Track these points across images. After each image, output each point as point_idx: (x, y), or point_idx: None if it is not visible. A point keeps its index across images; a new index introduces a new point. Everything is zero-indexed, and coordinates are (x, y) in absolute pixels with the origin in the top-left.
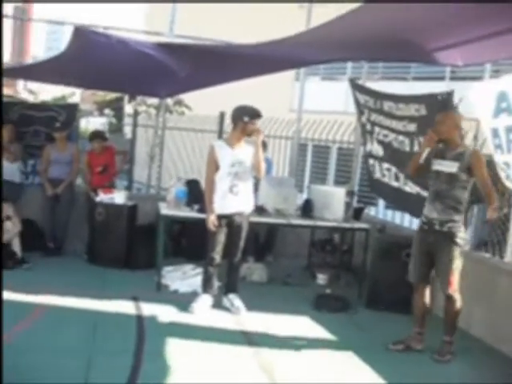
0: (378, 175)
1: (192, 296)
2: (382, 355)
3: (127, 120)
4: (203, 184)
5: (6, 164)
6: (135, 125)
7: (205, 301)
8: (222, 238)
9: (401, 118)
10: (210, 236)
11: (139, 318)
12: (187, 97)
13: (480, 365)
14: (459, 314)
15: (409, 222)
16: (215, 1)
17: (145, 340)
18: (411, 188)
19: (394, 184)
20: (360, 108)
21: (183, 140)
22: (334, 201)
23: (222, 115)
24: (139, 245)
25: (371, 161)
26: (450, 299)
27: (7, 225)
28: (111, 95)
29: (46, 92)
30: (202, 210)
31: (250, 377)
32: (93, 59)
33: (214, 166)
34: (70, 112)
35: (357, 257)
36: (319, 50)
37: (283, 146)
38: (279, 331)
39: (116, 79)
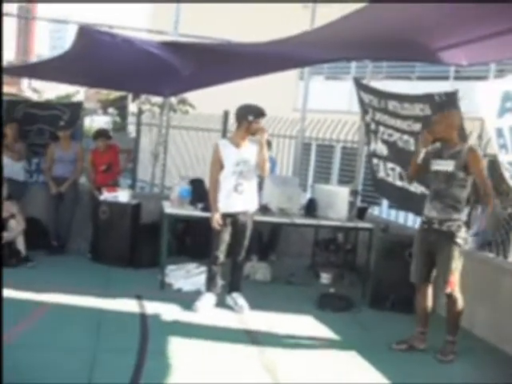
0: (382, 175)
1: (195, 295)
2: (385, 355)
3: (131, 119)
4: (207, 183)
5: (10, 162)
6: (139, 123)
7: (208, 299)
8: (226, 236)
9: (405, 118)
10: (215, 235)
11: (143, 317)
12: (191, 95)
13: (483, 365)
14: (461, 313)
15: (412, 222)
16: (219, 1)
17: (148, 338)
18: (415, 188)
19: (398, 183)
20: (364, 107)
21: (187, 139)
22: (337, 200)
23: (226, 114)
24: (143, 243)
25: (375, 160)
26: (449, 299)
27: (11, 223)
28: (115, 94)
29: (50, 90)
30: (205, 209)
31: (253, 376)
32: (97, 58)
33: (218, 164)
34: (74, 110)
35: (360, 256)
36: (323, 49)
37: (287, 145)
38: (282, 330)
39: (120, 78)
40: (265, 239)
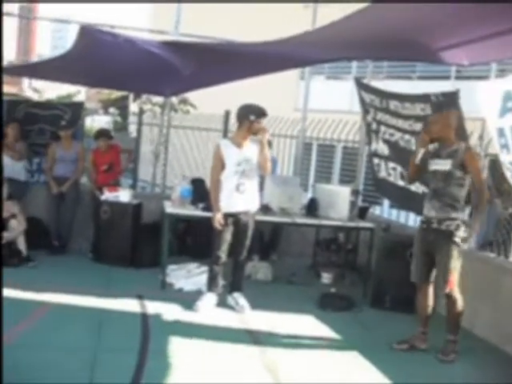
0: (383, 174)
1: (197, 294)
2: (386, 355)
3: (132, 118)
4: (208, 183)
5: (10, 162)
6: (140, 123)
7: (209, 299)
8: (228, 236)
9: (407, 117)
10: (216, 234)
11: (144, 317)
12: (192, 95)
13: (484, 365)
14: (461, 312)
15: (413, 222)
16: (220, 0)
17: (149, 338)
18: (417, 187)
19: (400, 183)
20: (365, 107)
21: (188, 139)
22: (338, 200)
23: (227, 114)
24: (144, 243)
25: (376, 160)
26: (449, 299)
27: (12, 223)
28: (116, 94)
29: (51, 90)
30: (207, 209)
31: (254, 376)
32: (98, 58)
33: (219, 164)
34: (76, 110)
35: (361, 256)
36: (324, 49)
37: (288, 145)
38: (284, 330)
39: (121, 78)
40: (266, 239)
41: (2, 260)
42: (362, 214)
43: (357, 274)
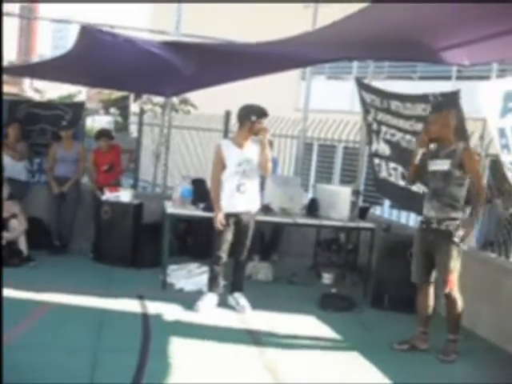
0: (384, 174)
1: (197, 294)
2: (387, 355)
3: (133, 119)
4: (209, 183)
5: (12, 162)
6: (141, 123)
7: (210, 299)
8: (229, 236)
9: (408, 118)
10: (217, 235)
11: (145, 317)
12: (193, 95)
13: (485, 364)
14: (461, 312)
15: (414, 222)
16: (220, 1)
17: (150, 338)
18: (418, 187)
19: (400, 183)
20: (366, 107)
21: (189, 139)
22: (339, 200)
23: (227, 114)
24: (145, 243)
25: (377, 160)
26: (448, 299)
27: (13, 223)
28: (117, 94)
29: (52, 90)
30: (207, 209)
31: (254, 376)
32: (99, 58)
33: (220, 164)
34: (76, 110)
35: (362, 256)
36: (325, 49)
37: (289, 145)
38: (284, 330)
39: (122, 78)
40: (267, 239)
41: (1, 260)
42: (363, 214)
43: (357, 275)
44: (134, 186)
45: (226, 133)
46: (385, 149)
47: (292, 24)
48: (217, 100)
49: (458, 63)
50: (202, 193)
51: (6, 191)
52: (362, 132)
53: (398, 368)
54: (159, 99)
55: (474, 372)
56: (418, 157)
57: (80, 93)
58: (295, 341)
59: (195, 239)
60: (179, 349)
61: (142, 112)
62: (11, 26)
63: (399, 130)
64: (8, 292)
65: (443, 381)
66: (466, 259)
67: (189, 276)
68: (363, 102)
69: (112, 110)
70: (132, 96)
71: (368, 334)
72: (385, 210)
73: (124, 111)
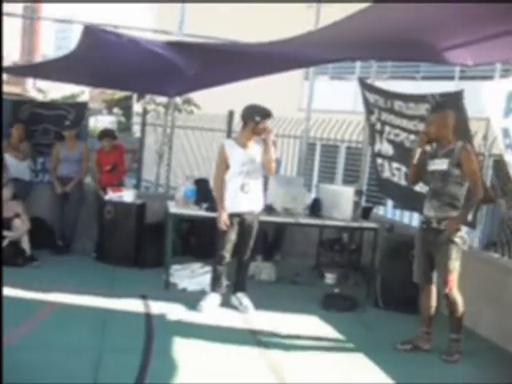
0: (387, 174)
1: (200, 294)
2: (390, 355)
3: (136, 119)
4: (212, 183)
5: (15, 162)
6: (144, 123)
7: (213, 299)
8: (232, 236)
9: (411, 118)
10: (221, 235)
11: (148, 317)
12: (196, 96)
13: (488, 365)
14: (462, 312)
15: (417, 222)
16: (224, 1)
17: (153, 338)
18: (421, 187)
19: (404, 183)
20: (369, 107)
21: (192, 139)
22: (342, 200)
23: (230, 114)
24: (148, 243)
25: (380, 160)
26: (448, 299)
27: (16, 222)
28: (120, 94)
29: (55, 90)
30: (210, 209)
31: (258, 376)
32: (102, 58)
33: (224, 164)
34: (80, 110)
35: (365, 256)
36: (328, 49)
37: (292, 145)
38: (287, 330)
39: (125, 78)
40: (270, 239)
41: (1, 260)
42: (366, 214)
43: (360, 275)
44: (137, 186)
45: (229, 133)
46: (388, 149)
47: (295, 24)
48: (220, 100)
49: (462, 63)
50: (205, 193)
51: (10, 191)
52: (365, 132)
53: (400, 368)
54: (162, 99)
55: (476, 372)
56: (417, 156)
57: (83, 93)
58: (298, 341)
59: (198, 239)
60: (182, 349)
61: (145, 112)
62: (14, 26)
63: (403, 130)
64: (11, 292)
65: (445, 381)
66: (468, 259)
67: (192, 276)
68: (366, 102)
69: (115, 109)
70: (135, 96)
71: (371, 334)
72: (388, 210)
73: (127, 111)
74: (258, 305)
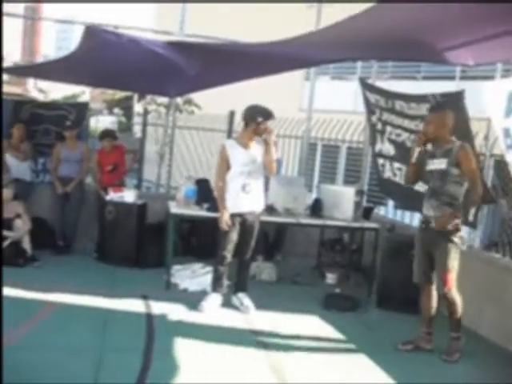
0: (388, 174)
1: (201, 295)
2: (391, 355)
3: (137, 119)
4: (213, 183)
5: (16, 162)
6: (145, 124)
7: (214, 299)
8: (234, 236)
9: (413, 118)
10: (222, 235)
11: (149, 317)
12: (197, 96)
13: (489, 365)
14: (461, 310)
15: (418, 222)
16: (224, 1)
17: (154, 338)
18: (423, 187)
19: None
20: (370, 107)
21: (193, 139)
22: (343, 200)
23: (231, 114)
24: (149, 243)
25: (381, 160)
26: (447, 299)
27: (17, 223)
28: (120, 94)
29: (56, 91)
30: (211, 209)
31: (259, 376)
32: (103, 58)
33: (225, 165)
34: (80, 111)
35: (366, 256)
36: (329, 49)
37: (293, 146)
38: (288, 330)
39: (126, 78)
40: (270, 239)
41: (1, 260)
42: (367, 214)
43: (361, 275)
44: (138, 186)
45: (229, 133)
46: (389, 149)
47: (295, 24)
48: (221, 100)
49: (463, 63)
50: (206, 193)
51: (11, 191)
52: (366, 132)
53: (401, 368)
54: (163, 99)
55: (476, 372)
56: (415, 155)
57: (84, 93)
58: (299, 341)
59: (199, 239)
60: (183, 349)
61: (145, 112)
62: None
63: (405, 130)
64: (12, 292)
65: (446, 381)
66: (469, 259)
67: (193, 276)
68: (367, 102)
69: (116, 110)
70: (136, 96)
71: (372, 334)
72: (389, 210)
73: (128, 111)
74: (259, 305)
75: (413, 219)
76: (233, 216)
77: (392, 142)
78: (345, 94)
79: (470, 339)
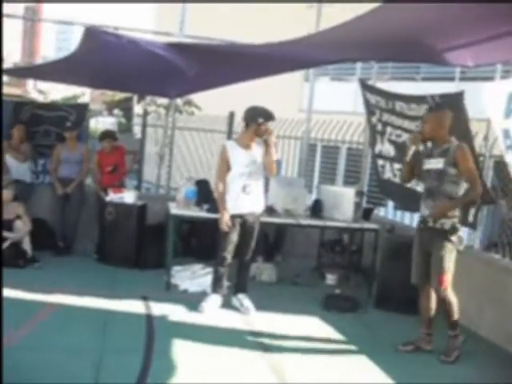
0: (388, 175)
1: (201, 296)
2: (390, 356)
3: (136, 120)
4: (213, 184)
5: (16, 164)
6: (145, 125)
7: (214, 300)
8: (234, 237)
9: (413, 119)
10: (222, 236)
11: (149, 318)
12: (197, 97)
13: (489, 366)
14: (456, 310)
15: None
16: (224, 1)
17: (154, 339)
18: (421, 187)
19: (405, 184)
20: (370, 108)
21: (193, 140)
22: (343, 201)
23: (231, 115)
24: (149, 244)
25: (381, 161)
26: (442, 299)
27: (18, 224)
28: (120, 95)
29: (55, 92)
30: (211, 210)
31: (259, 377)
32: (103, 59)
33: (225, 166)
34: (80, 112)
35: (366, 257)
36: (329, 50)
37: (292, 147)
38: (288, 331)
39: (125, 79)
40: (270, 240)
41: (1, 260)
42: (367, 215)
43: (361, 276)
44: (138, 187)
45: (229, 134)
46: (389, 150)
47: (295, 24)
48: (220, 101)
49: (462, 64)
50: (205, 194)
51: (11, 193)
52: (366, 133)
53: (401, 369)
54: (163, 100)
55: (476, 373)
56: (410, 153)
57: (84, 94)
58: (299, 342)
59: (199, 240)
60: (183, 350)
61: (145, 113)
62: (15, 27)
63: (405, 130)
64: (12, 293)
65: (446, 381)
66: (469, 260)
67: (193, 277)
68: (367, 103)
69: (116, 111)
70: (136, 97)
71: (372, 334)
72: (389, 211)
73: (128, 112)
74: (259, 306)
75: (413, 220)
76: (233, 217)
77: (392, 142)
78: (344, 95)
79: (469, 340)
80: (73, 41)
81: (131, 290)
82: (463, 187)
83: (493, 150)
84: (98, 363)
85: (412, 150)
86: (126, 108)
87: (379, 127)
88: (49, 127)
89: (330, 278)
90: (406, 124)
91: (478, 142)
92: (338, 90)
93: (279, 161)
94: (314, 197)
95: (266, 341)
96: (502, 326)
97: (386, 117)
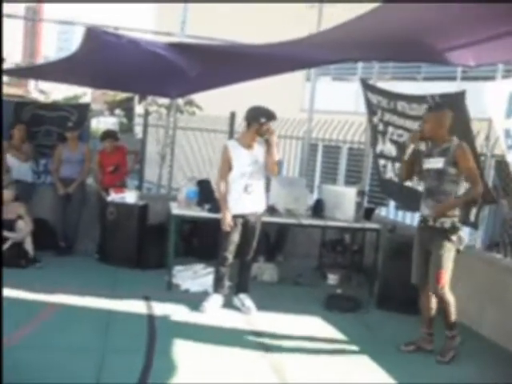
0: (389, 175)
1: (203, 295)
2: (392, 356)
3: (138, 120)
4: (214, 184)
5: (17, 163)
6: (146, 125)
7: (216, 300)
8: (236, 237)
9: (415, 118)
10: (224, 236)
11: (150, 318)
12: (198, 97)
13: (490, 365)
14: (454, 310)
15: None
16: (223, 0)
17: (156, 339)
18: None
19: (408, 183)
20: (372, 108)
21: (194, 140)
22: (344, 201)
23: (232, 115)
24: (150, 244)
25: (382, 161)
26: (440, 298)
27: (19, 224)
28: (121, 95)
29: (57, 92)
30: (212, 210)
31: (260, 377)
32: (104, 59)
33: (227, 166)
34: (82, 112)
35: (367, 257)
36: (331, 50)
37: (294, 146)
38: (290, 331)
39: (127, 79)
40: (272, 240)
41: (1, 260)
42: (368, 215)
43: (363, 275)
44: (139, 187)
45: (231, 134)
46: (391, 149)
47: (295, 24)
48: (222, 101)
49: (464, 64)
50: (207, 194)
51: (11, 193)
52: (367, 133)
53: (402, 369)
54: (164, 100)
55: (477, 372)
56: (409, 151)
57: (85, 94)
58: (300, 342)
59: (201, 240)
60: (185, 349)
61: (146, 113)
62: (17, 28)
63: (407, 130)
64: (14, 293)
65: (447, 381)
66: (471, 260)
67: (194, 277)
68: (368, 103)
69: (117, 111)
70: (137, 97)
71: (373, 334)
72: (390, 211)
73: (129, 112)
74: (261, 306)
75: (414, 220)
76: (235, 217)
77: (394, 142)
78: (346, 95)
79: (471, 339)
80: (74, 41)
81: (133, 289)
82: (463, 186)
83: (494, 149)
84: (99, 363)
85: (411, 148)
86: (127, 108)
87: (381, 127)
88: (50, 127)
89: (332, 278)
90: (408, 124)
91: (480, 142)
92: (339, 90)
93: (280, 161)
94: (315, 197)
95: (268, 341)
96: (504, 325)
97: (387, 116)
